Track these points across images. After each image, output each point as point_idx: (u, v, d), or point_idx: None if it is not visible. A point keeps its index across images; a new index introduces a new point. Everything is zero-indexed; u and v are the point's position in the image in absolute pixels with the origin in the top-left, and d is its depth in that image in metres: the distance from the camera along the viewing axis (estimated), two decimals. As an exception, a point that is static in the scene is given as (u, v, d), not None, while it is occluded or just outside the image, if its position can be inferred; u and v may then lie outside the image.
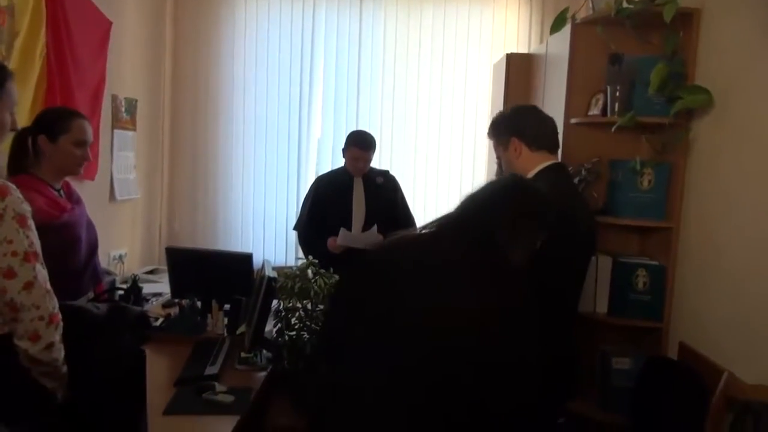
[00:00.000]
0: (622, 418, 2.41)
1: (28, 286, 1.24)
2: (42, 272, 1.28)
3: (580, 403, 2.38)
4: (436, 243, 1.41)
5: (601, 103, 2.59)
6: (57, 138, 1.96)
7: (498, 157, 2.10)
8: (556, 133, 1.99)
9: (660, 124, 2.42)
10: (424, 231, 1.47)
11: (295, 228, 3.46)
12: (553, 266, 1.75)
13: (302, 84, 4.06)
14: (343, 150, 3.26)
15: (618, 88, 2.49)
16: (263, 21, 4.02)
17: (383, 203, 3.25)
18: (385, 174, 3.39)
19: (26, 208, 1.26)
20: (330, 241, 3.12)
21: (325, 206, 3.25)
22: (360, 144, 3.20)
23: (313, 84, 4.06)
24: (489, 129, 2.03)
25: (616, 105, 2.51)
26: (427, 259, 1.36)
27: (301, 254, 3.36)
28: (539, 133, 1.93)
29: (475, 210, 1.46)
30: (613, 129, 2.45)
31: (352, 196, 3.26)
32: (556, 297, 1.78)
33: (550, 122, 2.00)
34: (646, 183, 2.48)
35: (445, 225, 1.45)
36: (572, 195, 1.94)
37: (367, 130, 3.32)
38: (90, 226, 2.13)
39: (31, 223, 1.27)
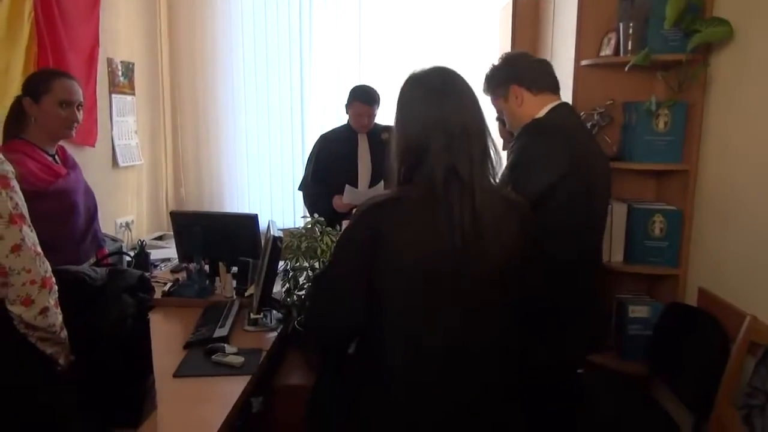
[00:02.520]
0: (639, 366, 2.38)
1: (16, 249, 1.19)
2: (30, 235, 1.23)
3: (597, 353, 2.34)
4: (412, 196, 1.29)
5: (613, 42, 2.47)
6: (39, 99, 1.91)
7: (499, 113, 2.02)
8: (554, 74, 1.91)
9: (676, 61, 2.30)
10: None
11: (300, 188, 3.40)
12: (577, 213, 1.70)
13: (302, 40, 3.93)
14: (347, 106, 3.17)
15: (631, 25, 2.37)
16: (259, -25, 3.88)
17: (389, 159, 3.17)
18: (390, 129, 3.28)
19: (8, 168, 1.20)
20: (336, 199, 3.07)
21: (330, 164, 3.18)
22: (364, 99, 3.11)
23: (313, 39, 3.94)
24: (484, 85, 1.95)
25: (630, 43, 2.38)
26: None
27: (306, 214, 3.31)
28: (537, 74, 1.86)
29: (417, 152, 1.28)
30: (626, 69, 2.33)
31: (357, 153, 3.19)
32: (574, 243, 1.72)
33: (545, 63, 1.94)
34: (662, 124, 2.38)
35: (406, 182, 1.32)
36: (587, 135, 1.88)
37: (371, 85, 3.22)
38: (88, 192, 2.09)
39: (14, 184, 1.21)
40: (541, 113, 1.82)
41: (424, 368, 1.25)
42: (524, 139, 1.80)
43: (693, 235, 2.40)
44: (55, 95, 1.92)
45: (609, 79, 2.52)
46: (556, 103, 1.84)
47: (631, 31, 2.38)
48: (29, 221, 1.24)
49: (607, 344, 2.49)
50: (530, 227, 1.32)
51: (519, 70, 1.87)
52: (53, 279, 1.26)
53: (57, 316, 1.26)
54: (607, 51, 2.50)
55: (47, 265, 1.26)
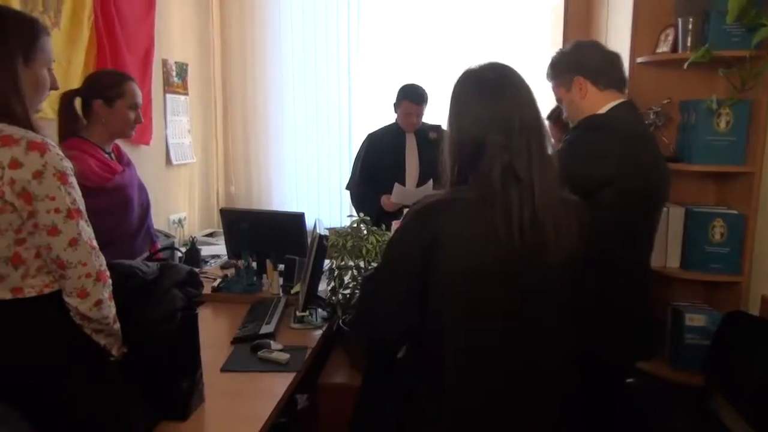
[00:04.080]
0: (695, 376, 2.28)
1: (73, 243, 1.23)
2: (87, 229, 1.27)
3: (650, 362, 2.26)
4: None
5: (671, 38, 2.38)
6: (114, 102, 1.97)
7: (558, 101, 1.95)
8: (623, 70, 1.81)
9: (739, 58, 2.19)
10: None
11: (347, 187, 3.42)
12: (624, 217, 1.64)
13: (350, 39, 3.94)
14: (395, 105, 3.17)
15: (690, 20, 2.28)
16: (309, -23, 3.92)
17: (437, 158, 3.14)
18: (438, 128, 3.27)
19: (67, 165, 1.24)
20: (384, 198, 3.06)
21: (378, 163, 3.18)
22: (413, 98, 3.09)
23: (361, 39, 3.95)
24: (548, 69, 1.87)
25: (689, 39, 2.29)
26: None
27: (352, 213, 3.31)
28: (605, 68, 1.76)
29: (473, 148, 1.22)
30: (685, 66, 2.24)
31: (405, 152, 3.18)
32: (625, 249, 1.66)
33: (615, 57, 1.82)
34: (723, 124, 2.28)
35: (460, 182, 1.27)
36: (646, 138, 1.79)
37: (419, 84, 3.20)
38: (141, 188, 2.15)
39: (72, 180, 1.25)
40: (603, 110, 1.73)
41: (485, 370, 1.23)
42: (578, 132, 1.74)
43: (756, 240, 2.28)
44: (128, 99, 1.99)
45: (666, 76, 2.44)
46: (619, 101, 1.75)
47: (690, 26, 2.29)
48: (86, 216, 1.28)
49: (660, 353, 2.40)
50: (587, 228, 1.27)
51: (586, 61, 1.77)
52: (108, 273, 1.30)
53: (111, 309, 1.30)
54: (664, 48, 2.41)
55: (102, 259, 1.29)
